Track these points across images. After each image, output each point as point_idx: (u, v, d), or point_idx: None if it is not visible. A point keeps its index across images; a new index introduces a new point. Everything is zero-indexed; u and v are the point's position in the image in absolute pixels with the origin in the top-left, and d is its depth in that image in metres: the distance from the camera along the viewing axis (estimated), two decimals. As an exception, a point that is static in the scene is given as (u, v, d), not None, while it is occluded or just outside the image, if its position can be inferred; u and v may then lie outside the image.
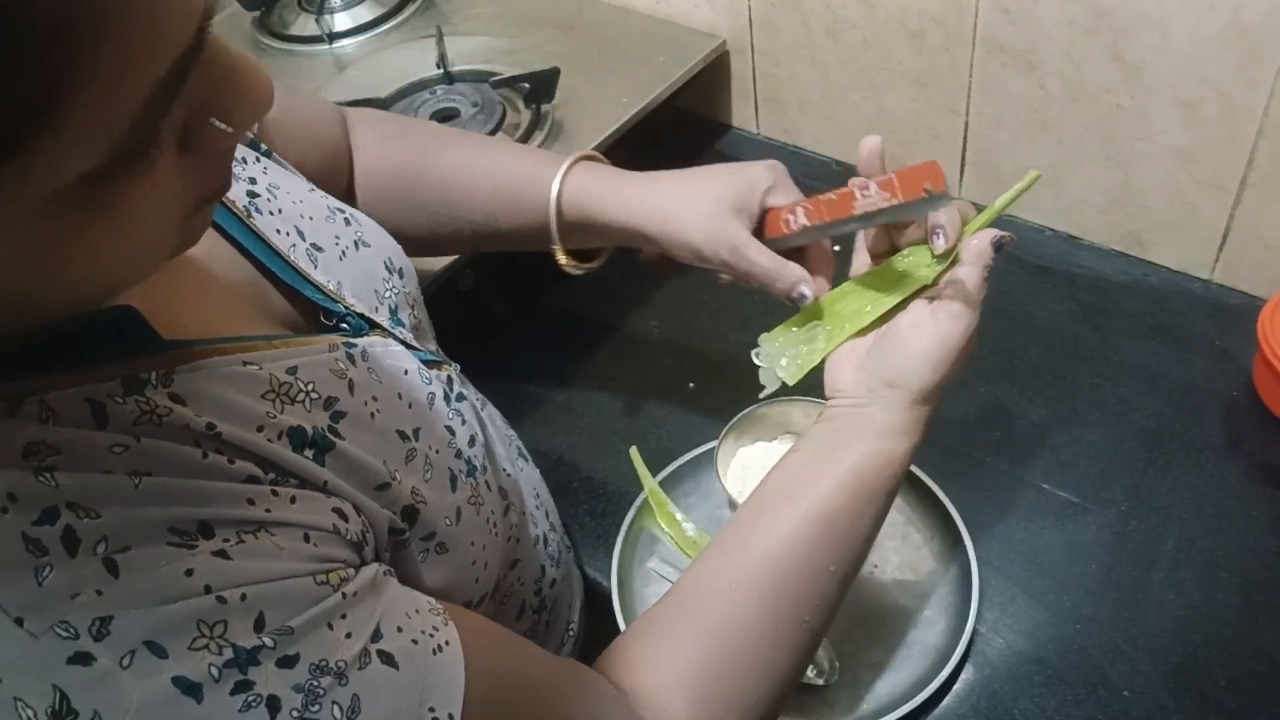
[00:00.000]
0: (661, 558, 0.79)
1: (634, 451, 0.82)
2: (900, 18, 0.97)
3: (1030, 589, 0.75)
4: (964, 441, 0.85)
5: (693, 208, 0.66)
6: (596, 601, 0.79)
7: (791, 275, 0.64)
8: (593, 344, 0.99)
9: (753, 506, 0.58)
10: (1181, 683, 0.69)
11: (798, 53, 1.07)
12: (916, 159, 0.57)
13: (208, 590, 0.36)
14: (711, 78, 1.15)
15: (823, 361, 0.62)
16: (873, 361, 0.59)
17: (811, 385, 0.87)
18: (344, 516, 0.43)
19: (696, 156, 1.17)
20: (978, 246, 0.57)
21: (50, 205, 0.30)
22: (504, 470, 0.65)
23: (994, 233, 0.58)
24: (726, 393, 0.84)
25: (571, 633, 0.75)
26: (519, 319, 1.03)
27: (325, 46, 1.21)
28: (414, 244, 0.82)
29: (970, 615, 0.71)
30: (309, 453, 0.44)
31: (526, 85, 1.05)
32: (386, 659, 0.40)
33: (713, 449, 0.80)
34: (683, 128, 1.20)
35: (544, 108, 1.04)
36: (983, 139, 0.99)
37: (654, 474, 0.82)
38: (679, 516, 0.80)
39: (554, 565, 0.71)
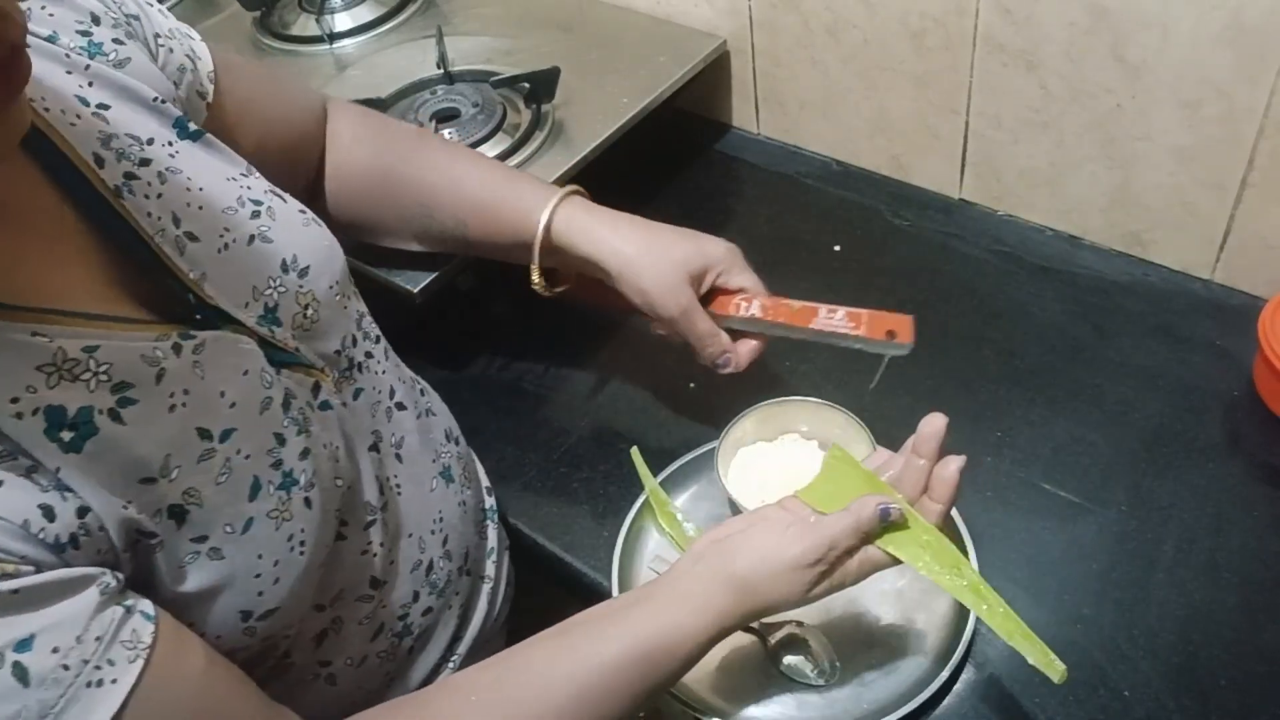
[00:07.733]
0: (662, 558, 0.79)
1: (634, 451, 0.82)
2: (900, 18, 0.97)
3: (1030, 589, 0.75)
4: (964, 441, 0.84)
5: (655, 264, 0.75)
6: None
7: (723, 344, 0.77)
8: (593, 344, 0.99)
9: (560, 631, 0.60)
10: (1182, 683, 0.69)
11: (798, 53, 1.07)
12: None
13: None
14: (711, 78, 1.15)
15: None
16: (720, 527, 0.62)
17: (813, 386, 0.88)
18: (50, 516, 0.43)
19: (697, 156, 1.17)
20: (864, 507, 0.60)
21: None
22: (393, 489, 0.65)
23: (885, 506, 0.60)
24: (726, 393, 0.84)
25: (452, 666, 0.74)
26: (519, 319, 1.03)
27: (325, 47, 1.21)
28: (378, 237, 0.84)
29: (970, 615, 0.71)
30: (66, 435, 0.44)
31: (526, 85, 1.05)
32: (18, 672, 0.40)
33: (713, 449, 0.80)
34: (683, 128, 1.20)
35: (544, 108, 1.04)
36: (983, 139, 0.99)
37: (654, 474, 0.82)
38: (680, 516, 0.80)
39: (433, 593, 0.70)
